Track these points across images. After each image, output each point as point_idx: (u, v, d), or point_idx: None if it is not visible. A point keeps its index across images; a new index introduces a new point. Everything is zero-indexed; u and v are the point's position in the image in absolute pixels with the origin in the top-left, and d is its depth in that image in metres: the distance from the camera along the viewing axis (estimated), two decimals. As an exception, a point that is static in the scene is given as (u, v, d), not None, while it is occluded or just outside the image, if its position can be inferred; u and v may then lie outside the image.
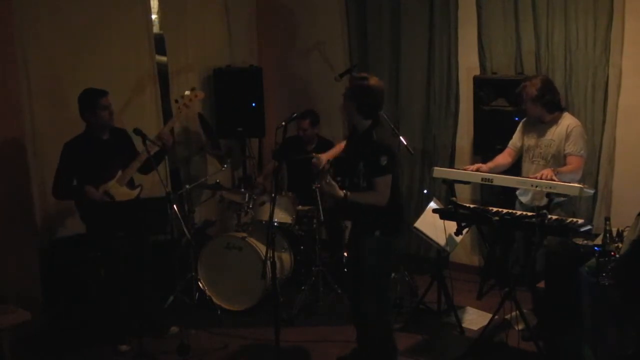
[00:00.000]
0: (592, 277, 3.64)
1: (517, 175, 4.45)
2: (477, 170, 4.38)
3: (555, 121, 4.39)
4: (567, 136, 4.31)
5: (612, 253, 3.71)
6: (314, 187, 3.95)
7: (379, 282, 3.94)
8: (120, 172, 4.53)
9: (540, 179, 4.02)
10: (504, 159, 4.56)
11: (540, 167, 4.37)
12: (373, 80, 3.80)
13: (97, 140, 4.55)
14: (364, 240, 3.87)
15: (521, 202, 4.52)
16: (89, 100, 4.48)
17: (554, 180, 3.98)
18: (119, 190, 4.51)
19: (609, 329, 3.63)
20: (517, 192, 4.58)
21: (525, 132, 4.54)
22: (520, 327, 4.30)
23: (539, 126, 4.45)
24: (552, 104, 4.38)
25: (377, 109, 3.83)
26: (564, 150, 4.31)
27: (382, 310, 3.97)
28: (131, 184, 4.61)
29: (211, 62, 6.29)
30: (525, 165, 4.52)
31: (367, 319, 3.96)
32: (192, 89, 4.88)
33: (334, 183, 3.73)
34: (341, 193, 3.72)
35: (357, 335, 4.17)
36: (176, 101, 4.87)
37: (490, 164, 4.49)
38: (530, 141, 4.48)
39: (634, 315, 3.46)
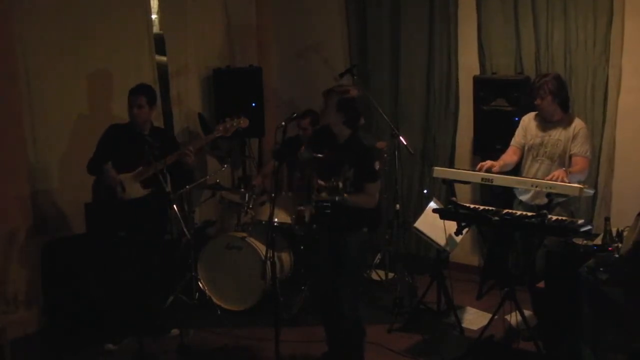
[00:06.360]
0: (590, 272, 3.66)
1: (517, 173, 4.46)
2: (489, 168, 4.32)
3: (562, 121, 4.39)
4: (574, 137, 4.32)
5: (610, 249, 3.72)
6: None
7: (360, 275, 4.15)
8: (140, 168, 4.54)
9: (552, 179, 4.01)
10: (510, 158, 4.54)
11: (546, 167, 4.37)
12: (355, 92, 3.88)
13: (135, 132, 4.59)
14: (352, 236, 3.92)
15: (521, 201, 4.51)
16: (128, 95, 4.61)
17: (565, 182, 3.98)
18: (131, 185, 4.53)
19: (608, 329, 3.63)
20: (516, 191, 4.57)
21: (529, 130, 4.52)
22: (520, 327, 4.30)
23: (544, 125, 4.45)
24: (566, 102, 4.42)
25: (359, 119, 3.89)
26: (570, 150, 4.32)
27: (358, 302, 4.06)
28: (146, 183, 4.59)
29: (211, 62, 6.30)
30: (529, 164, 4.50)
31: (346, 312, 3.98)
32: (239, 116, 4.71)
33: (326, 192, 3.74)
34: (339, 199, 3.71)
35: (329, 336, 4.21)
36: (220, 121, 4.75)
37: (500, 162, 4.45)
38: (535, 140, 4.47)
39: (632, 314, 3.47)
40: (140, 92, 4.58)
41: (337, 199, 3.67)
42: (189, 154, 4.54)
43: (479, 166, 4.37)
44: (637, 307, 3.50)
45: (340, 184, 3.61)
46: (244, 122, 4.70)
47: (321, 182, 3.73)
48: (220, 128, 4.66)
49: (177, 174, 4.67)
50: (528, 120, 4.56)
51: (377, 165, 3.82)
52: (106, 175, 4.47)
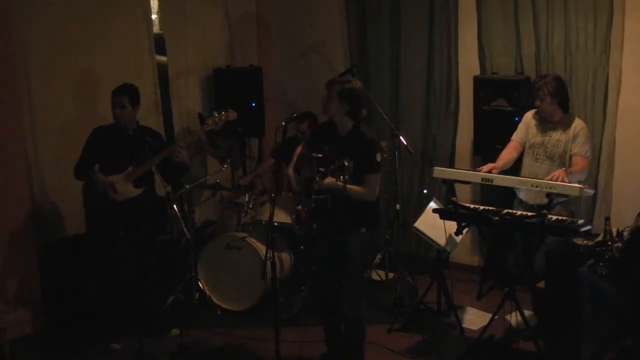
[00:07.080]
0: (591, 268, 3.67)
1: (517, 173, 4.46)
2: (490, 170, 4.33)
3: (563, 121, 4.39)
4: (574, 137, 4.32)
5: (609, 242, 3.74)
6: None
7: (361, 275, 4.14)
8: (130, 169, 4.54)
9: (552, 179, 4.01)
10: (509, 154, 4.54)
11: (546, 167, 4.38)
12: (357, 83, 3.96)
13: (121, 132, 4.59)
14: (351, 236, 3.93)
15: (521, 201, 4.51)
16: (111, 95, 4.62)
17: (565, 182, 3.98)
18: (123, 186, 4.53)
19: (606, 325, 3.65)
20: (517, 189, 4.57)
21: (530, 127, 4.52)
22: (521, 327, 4.30)
23: (545, 125, 4.45)
24: (566, 102, 4.42)
25: (362, 110, 3.95)
26: (570, 151, 4.32)
27: (359, 302, 4.06)
28: (137, 183, 4.60)
29: (211, 62, 6.30)
30: (528, 163, 4.51)
31: (347, 312, 4.00)
32: (227, 109, 4.71)
33: (330, 179, 3.75)
34: (340, 185, 3.73)
35: (327, 336, 4.23)
36: (210, 115, 4.75)
37: (499, 162, 4.46)
38: (535, 139, 4.47)
39: (623, 309, 3.50)
40: (122, 92, 4.59)
41: (342, 179, 3.67)
42: (179, 150, 4.53)
43: (482, 169, 4.37)
44: (628, 302, 3.52)
45: (346, 162, 3.62)
46: (232, 115, 4.70)
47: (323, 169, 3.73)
48: (209, 122, 4.66)
49: (168, 171, 4.65)
50: (530, 117, 4.56)
51: (378, 157, 3.84)
52: (95, 178, 4.46)
